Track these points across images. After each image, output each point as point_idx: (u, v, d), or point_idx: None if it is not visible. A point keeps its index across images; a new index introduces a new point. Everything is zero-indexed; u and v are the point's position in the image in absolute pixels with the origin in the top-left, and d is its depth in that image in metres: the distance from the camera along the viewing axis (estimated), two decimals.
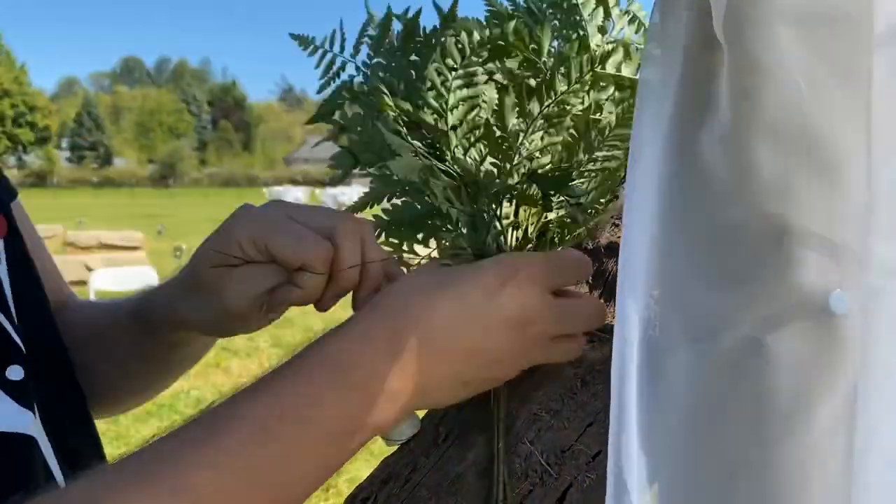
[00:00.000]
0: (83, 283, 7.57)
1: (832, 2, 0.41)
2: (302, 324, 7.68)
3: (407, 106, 0.55)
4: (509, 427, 0.55)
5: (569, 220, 0.56)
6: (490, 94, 0.56)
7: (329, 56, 0.61)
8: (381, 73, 0.59)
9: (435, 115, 0.55)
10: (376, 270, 0.54)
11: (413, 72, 0.57)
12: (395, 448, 0.59)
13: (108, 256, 9.47)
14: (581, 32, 0.56)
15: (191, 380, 5.80)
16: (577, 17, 0.57)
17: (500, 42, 0.55)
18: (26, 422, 0.51)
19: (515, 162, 0.54)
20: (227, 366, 6.19)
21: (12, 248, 0.59)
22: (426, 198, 0.56)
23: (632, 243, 0.50)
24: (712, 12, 0.44)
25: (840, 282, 0.43)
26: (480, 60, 0.55)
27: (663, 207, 0.49)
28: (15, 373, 0.51)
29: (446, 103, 0.55)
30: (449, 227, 0.56)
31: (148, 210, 25.95)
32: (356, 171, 0.60)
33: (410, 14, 0.59)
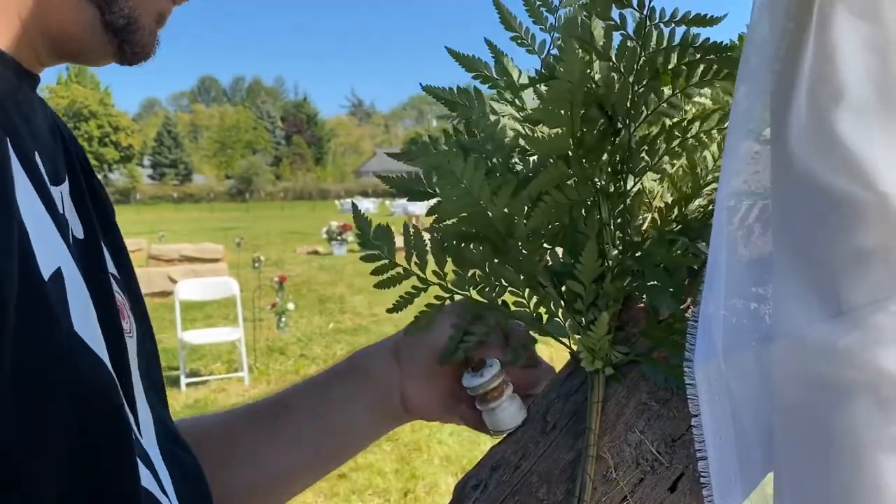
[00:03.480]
0: (168, 293, 7.85)
1: None
2: (377, 332, 7.78)
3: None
4: (618, 415, 0.55)
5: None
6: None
7: None
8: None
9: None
10: None
11: None
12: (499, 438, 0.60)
13: (190, 268, 9.80)
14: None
15: (272, 385, 5.93)
16: None
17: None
18: None
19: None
20: (305, 372, 6.31)
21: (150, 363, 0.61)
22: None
23: (720, 247, 0.50)
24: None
25: None
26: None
27: (775, 193, 0.49)
28: None
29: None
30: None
31: (226, 223, 26.75)
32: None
33: None
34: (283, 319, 7.84)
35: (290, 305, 8.02)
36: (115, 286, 0.58)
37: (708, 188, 0.55)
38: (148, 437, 0.55)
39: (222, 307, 8.25)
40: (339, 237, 15.35)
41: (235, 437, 0.72)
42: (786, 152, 0.46)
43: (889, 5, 0.41)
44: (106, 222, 0.62)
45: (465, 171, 0.52)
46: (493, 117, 0.58)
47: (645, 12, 0.51)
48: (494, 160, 0.57)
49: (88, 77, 66.64)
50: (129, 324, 0.58)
